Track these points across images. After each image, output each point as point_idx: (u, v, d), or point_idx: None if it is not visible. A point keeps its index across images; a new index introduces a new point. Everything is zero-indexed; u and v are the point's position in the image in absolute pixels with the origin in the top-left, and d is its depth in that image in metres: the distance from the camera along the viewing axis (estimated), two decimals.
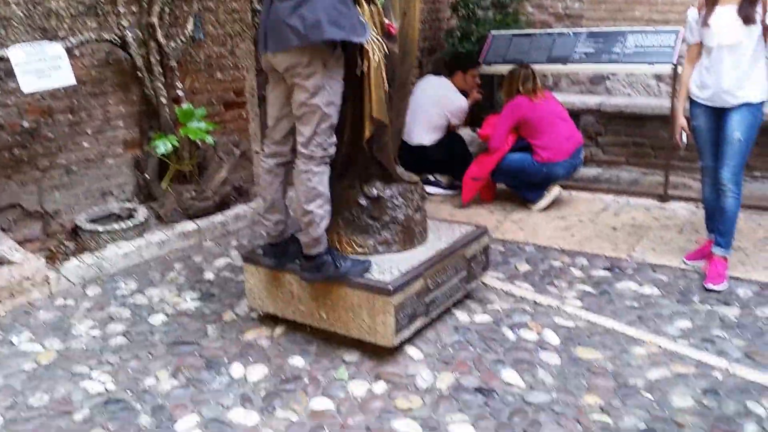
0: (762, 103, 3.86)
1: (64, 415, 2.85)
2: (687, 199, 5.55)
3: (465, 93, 6.23)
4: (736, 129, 3.82)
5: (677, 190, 5.81)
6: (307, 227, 3.15)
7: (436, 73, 6.57)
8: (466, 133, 6.45)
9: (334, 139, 3.12)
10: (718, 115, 3.91)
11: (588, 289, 3.98)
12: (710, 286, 3.89)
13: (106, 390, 3.03)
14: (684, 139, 4.14)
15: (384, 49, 3.14)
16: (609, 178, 6.44)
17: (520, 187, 5.57)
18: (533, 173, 5.36)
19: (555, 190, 5.48)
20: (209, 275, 4.29)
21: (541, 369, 3.12)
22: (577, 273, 4.21)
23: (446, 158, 5.98)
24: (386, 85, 3.19)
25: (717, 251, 4.00)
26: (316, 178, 3.09)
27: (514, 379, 3.03)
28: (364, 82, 3.15)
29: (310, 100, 3.00)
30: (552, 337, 3.40)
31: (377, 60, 3.10)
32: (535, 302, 3.81)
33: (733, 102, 3.83)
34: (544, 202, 5.44)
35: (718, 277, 3.93)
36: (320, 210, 3.14)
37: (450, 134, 6.12)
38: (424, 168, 5.88)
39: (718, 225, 3.99)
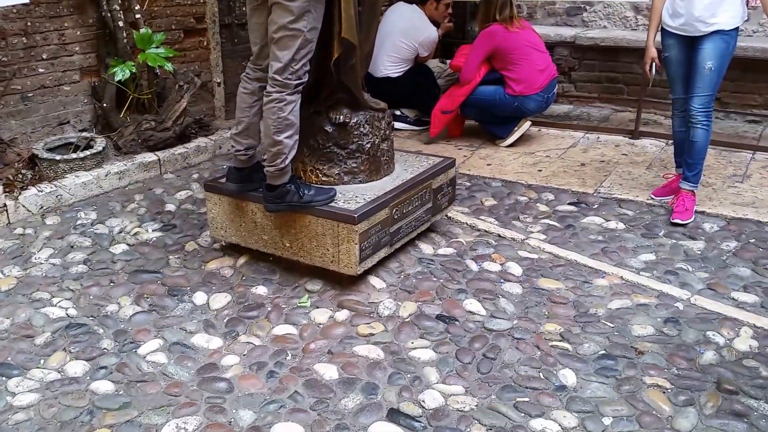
0: (735, 30, 3.90)
1: (25, 338, 2.95)
2: (657, 136, 5.69)
3: (436, 23, 6.23)
4: (708, 58, 3.89)
5: (648, 126, 5.95)
6: (275, 158, 3.18)
7: (408, 0, 6.53)
8: (434, 64, 6.45)
9: (308, 66, 3.11)
10: (690, 44, 3.98)
11: (553, 223, 4.13)
12: (677, 220, 4.05)
13: (68, 315, 3.13)
14: (654, 71, 4.23)
15: None
16: (580, 114, 6.55)
17: (490, 121, 5.64)
18: (504, 107, 5.43)
19: (525, 125, 5.56)
20: (170, 207, 4.35)
21: (503, 298, 3.27)
22: (542, 208, 4.35)
23: (413, 91, 6.00)
24: (357, 1, 3.18)
25: (684, 186, 4.15)
26: (289, 107, 3.10)
27: (475, 308, 3.18)
28: (334, 1, 3.14)
29: (292, 24, 2.96)
30: (515, 269, 3.55)
31: None
32: (500, 236, 3.94)
33: (705, 29, 3.87)
34: (512, 137, 5.54)
35: (685, 212, 4.08)
36: (290, 141, 3.16)
37: (417, 66, 6.13)
38: (390, 102, 5.90)
39: (687, 158, 4.12)
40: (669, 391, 2.63)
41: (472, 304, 3.21)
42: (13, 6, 4.25)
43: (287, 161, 3.19)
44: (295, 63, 3.03)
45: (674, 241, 3.88)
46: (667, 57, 4.15)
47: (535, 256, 3.70)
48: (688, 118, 4.04)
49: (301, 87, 3.11)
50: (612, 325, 3.06)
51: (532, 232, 4.00)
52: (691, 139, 4.05)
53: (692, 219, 4.07)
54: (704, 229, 4.01)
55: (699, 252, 3.75)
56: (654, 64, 4.20)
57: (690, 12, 3.89)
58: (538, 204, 4.42)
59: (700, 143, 4.03)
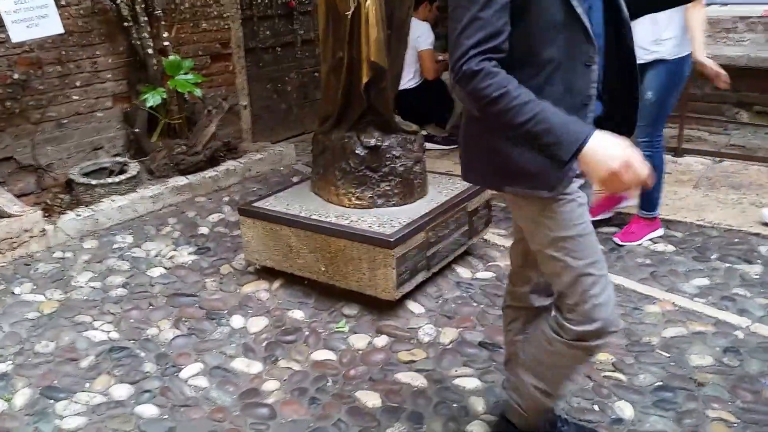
0: (681, 60, 3.72)
1: (70, 361, 3.05)
2: (702, 153, 5.54)
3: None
4: (648, 88, 3.73)
5: (691, 143, 5.79)
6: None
7: None
8: (446, 77, 6.46)
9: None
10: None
11: None
12: (617, 240, 4.06)
13: (110, 338, 3.23)
14: None
15: None
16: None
17: None
18: None
19: None
20: (204, 230, 4.46)
21: None
22: None
23: (427, 107, 6.02)
24: (386, 25, 3.23)
25: (640, 212, 4.10)
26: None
27: None
28: (361, 22, 3.19)
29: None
30: None
31: None
32: None
33: (646, 57, 3.68)
34: None
35: (630, 234, 4.07)
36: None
37: (429, 81, 6.12)
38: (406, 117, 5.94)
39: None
40: (735, 425, 2.56)
41: None
42: (49, 36, 4.43)
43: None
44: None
45: (729, 264, 3.76)
46: None
47: None
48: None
49: None
50: (668, 355, 2.98)
51: None
52: None
53: (639, 242, 4.04)
54: (760, 252, 3.88)
55: (757, 277, 3.63)
56: None
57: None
58: None
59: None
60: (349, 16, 3.23)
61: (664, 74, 3.73)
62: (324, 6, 3.44)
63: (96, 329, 3.31)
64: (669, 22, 3.65)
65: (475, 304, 3.48)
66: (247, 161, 5.53)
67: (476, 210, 3.87)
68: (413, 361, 3.02)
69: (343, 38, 3.31)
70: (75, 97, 4.85)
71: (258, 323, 3.34)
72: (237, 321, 3.37)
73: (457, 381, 2.87)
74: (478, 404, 2.72)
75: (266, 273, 3.77)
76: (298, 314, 3.42)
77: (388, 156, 3.57)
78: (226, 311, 3.46)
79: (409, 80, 5.96)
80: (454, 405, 2.73)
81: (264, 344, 3.18)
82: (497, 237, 4.25)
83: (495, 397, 2.76)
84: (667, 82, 3.75)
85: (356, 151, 3.54)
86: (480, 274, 3.80)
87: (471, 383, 2.85)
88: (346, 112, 3.59)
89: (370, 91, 3.47)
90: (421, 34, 5.87)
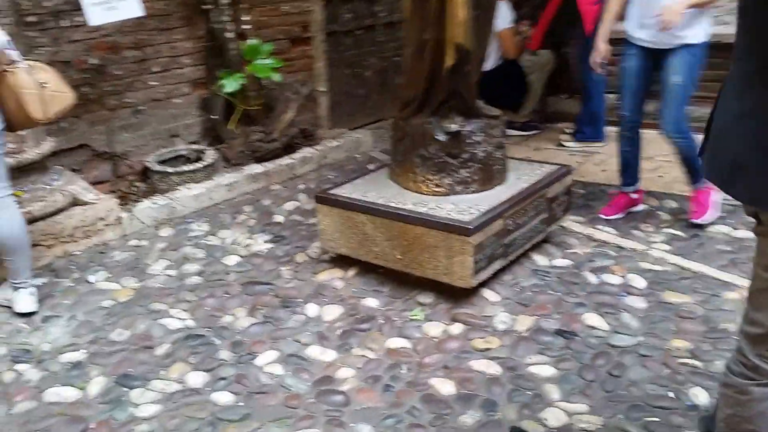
0: (704, 45, 3.73)
1: (145, 349, 3.09)
2: None
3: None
4: (675, 72, 3.72)
5: None
6: None
7: None
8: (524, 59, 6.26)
9: None
10: (654, 57, 3.80)
11: (676, 232, 3.99)
12: (696, 220, 3.98)
13: (185, 326, 3.26)
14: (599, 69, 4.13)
15: None
16: (701, 116, 6.29)
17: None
18: None
19: None
20: (279, 218, 4.47)
21: (626, 313, 3.19)
22: (664, 216, 4.22)
23: (502, 89, 5.69)
24: (473, 6, 3.17)
25: (694, 186, 4.05)
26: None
27: (596, 323, 3.12)
28: (447, 3, 3.14)
29: None
30: (637, 281, 3.45)
31: None
32: (619, 246, 3.85)
33: (673, 42, 3.70)
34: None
35: (701, 207, 4.00)
36: None
37: (506, 62, 5.92)
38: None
39: (682, 167, 4.02)
40: None
41: (592, 319, 3.14)
42: (128, 19, 4.45)
43: None
44: None
45: None
46: (624, 67, 3.96)
47: (658, 267, 3.59)
48: (665, 136, 3.89)
49: None
50: None
51: (654, 243, 3.88)
52: (676, 154, 3.94)
53: (711, 213, 3.99)
54: None
55: None
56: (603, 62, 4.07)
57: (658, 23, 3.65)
58: (659, 212, 4.28)
59: (684, 155, 3.92)
60: None
61: (690, 58, 3.72)
62: None
63: (171, 317, 3.34)
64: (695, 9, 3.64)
65: (551, 292, 3.42)
66: (323, 148, 5.51)
67: (556, 197, 3.77)
68: (488, 349, 2.99)
69: (429, 20, 3.25)
70: (152, 83, 4.88)
71: (333, 311, 3.33)
72: (312, 309, 3.36)
73: (531, 369, 2.84)
74: (553, 392, 2.69)
75: (341, 261, 3.75)
76: (372, 302, 3.39)
77: (469, 142, 3.51)
78: (300, 299, 3.45)
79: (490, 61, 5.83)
80: (528, 392, 2.70)
81: (338, 332, 3.16)
82: (575, 224, 4.15)
83: (570, 384, 2.74)
84: (692, 66, 3.74)
85: (437, 137, 3.49)
86: (557, 262, 3.72)
87: (546, 371, 2.82)
88: (429, 96, 3.53)
89: (454, 74, 3.40)
90: (499, 14, 5.70)
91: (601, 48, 4.01)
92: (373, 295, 3.46)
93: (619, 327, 3.09)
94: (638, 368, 2.79)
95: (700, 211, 3.99)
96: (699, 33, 3.70)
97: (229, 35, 5.03)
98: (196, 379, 2.85)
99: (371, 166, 5.05)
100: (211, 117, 5.12)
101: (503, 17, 5.74)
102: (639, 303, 3.27)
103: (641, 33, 3.82)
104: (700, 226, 4.01)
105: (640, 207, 4.30)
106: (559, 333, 3.06)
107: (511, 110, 5.96)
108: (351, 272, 3.68)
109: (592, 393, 2.67)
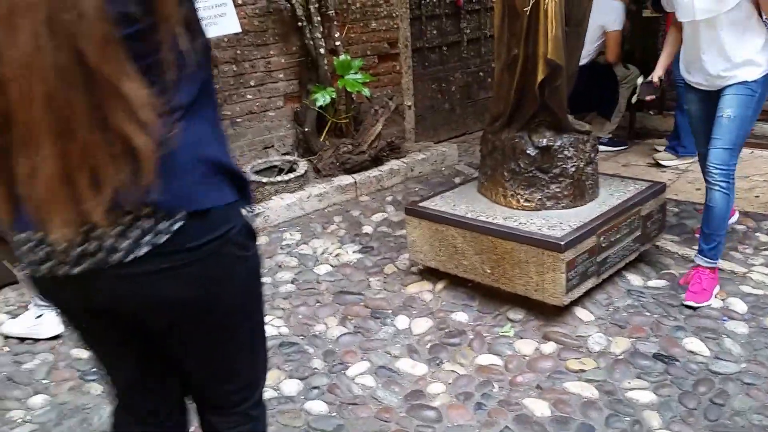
0: (762, 79, 3.32)
1: None
2: None
3: None
4: (727, 106, 3.34)
5: None
6: None
7: None
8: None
9: None
10: (711, 98, 3.46)
11: None
12: (690, 302, 3.33)
13: (279, 333, 3.30)
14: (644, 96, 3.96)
15: None
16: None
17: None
18: None
19: None
20: (368, 229, 4.48)
21: (728, 338, 3.05)
22: (763, 238, 4.03)
23: (591, 91, 5.47)
24: (564, 21, 3.12)
25: (700, 261, 3.45)
26: None
27: (697, 347, 2.99)
28: (539, 18, 3.10)
29: None
30: (738, 305, 3.30)
31: None
32: (718, 268, 3.69)
33: (723, 84, 3.37)
34: None
35: (702, 292, 3.36)
36: None
37: (601, 66, 5.78)
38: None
39: (704, 227, 3.45)
40: None
41: (692, 344, 3.02)
42: (226, 36, 4.58)
43: None
44: None
45: None
46: (688, 110, 3.73)
47: (760, 291, 3.43)
48: (705, 177, 3.48)
49: None
50: None
51: (754, 265, 3.71)
52: (707, 204, 3.40)
53: (709, 302, 3.33)
54: None
55: None
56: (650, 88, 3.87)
57: (704, 69, 3.38)
58: (757, 234, 4.10)
59: (717, 209, 3.35)
60: (527, 12, 3.12)
61: (745, 91, 3.33)
62: (501, 2, 3.35)
63: (267, 324, 3.35)
64: (737, 48, 3.28)
65: (648, 314, 3.30)
66: (410, 161, 5.52)
67: (650, 214, 3.65)
68: (583, 371, 2.90)
69: (520, 35, 3.22)
70: (249, 96, 5.01)
71: (422, 324, 3.30)
72: (401, 321, 3.34)
73: (630, 394, 2.74)
74: (653, 419, 2.58)
75: (430, 274, 3.73)
76: (462, 317, 3.35)
77: (559, 157, 3.44)
78: (390, 311, 3.45)
79: (582, 57, 5.67)
80: (627, 419, 2.61)
81: (428, 346, 3.13)
82: (670, 243, 4.00)
83: (671, 412, 2.63)
84: (747, 100, 3.34)
85: (527, 152, 3.43)
86: (652, 282, 3.59)
87: (645, 396, 2.71)
88: (518, 110, 3.48)
89: (544, 89, 3.35)
90: (613, 14, 5.60)
91: (654, 80, 3.85)
92: (462, 309, 3.42)
93: (721, 353, 2.95)
94: (742, 397, 2.67)
95: (702, 295, 3.36)
96: (755, 70, 3.32)
97: (321, 51, 5.10)
98: (291, 387, 2.87)
99: (457, 180, 5.03)
100: (303, 129, 5.20)
101: (616, 19, 5.62)
102: (740, 328, 3.12)
103: (691, 77, 3.56)
104: None
105: (735, 217, 4.11)
106: (658, 357, 2.95)
107: (600, 115, 5.83)
108: (440, 285, 3.65)
109: (694, 422, 2.55)
